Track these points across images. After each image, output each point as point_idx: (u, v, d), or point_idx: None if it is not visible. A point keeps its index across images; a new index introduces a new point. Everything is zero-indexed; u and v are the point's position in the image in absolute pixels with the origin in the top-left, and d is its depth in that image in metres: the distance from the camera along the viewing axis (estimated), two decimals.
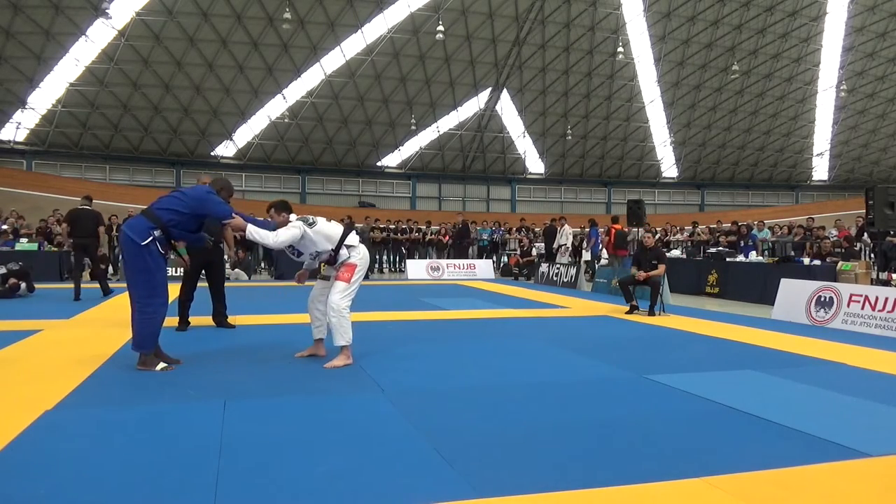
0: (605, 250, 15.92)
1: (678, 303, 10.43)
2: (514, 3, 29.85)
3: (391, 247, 19.18)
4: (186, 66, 28.60)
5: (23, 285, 10.23)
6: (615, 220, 14.82)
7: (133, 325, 4.68)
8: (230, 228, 5.04)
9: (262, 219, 5.17)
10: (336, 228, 5.06)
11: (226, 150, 32.93)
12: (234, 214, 4.86)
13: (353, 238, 5.09)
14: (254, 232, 4.77)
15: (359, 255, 5.05)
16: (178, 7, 26.22)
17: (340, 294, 4.89)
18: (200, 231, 5.11)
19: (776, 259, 11.91)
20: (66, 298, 9.88)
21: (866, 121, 38.64)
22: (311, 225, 4.89)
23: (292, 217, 4.97)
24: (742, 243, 14.69)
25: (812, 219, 15.75)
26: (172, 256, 14.19)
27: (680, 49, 33.49)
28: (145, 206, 4.96)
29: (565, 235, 15.96)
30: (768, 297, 9.53)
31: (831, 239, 13.10)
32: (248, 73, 29.60)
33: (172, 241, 4.95)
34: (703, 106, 36.48)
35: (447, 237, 19.45)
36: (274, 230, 4.86)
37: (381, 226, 19.15)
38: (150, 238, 4.57)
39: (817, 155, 41.08)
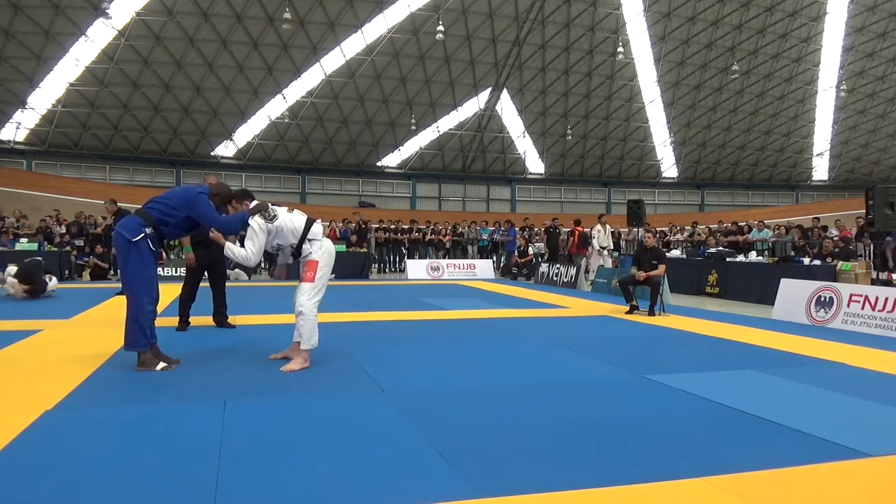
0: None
1: (678, 303, 10.42)
2: (514, 3, 29.85)
3: (391, 247, 19.19)
4: (186, 66, 28.60)
5: (52, 280, 10.10)
6: (577, 222, 16.39)
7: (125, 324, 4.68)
8: (213, 235, 4.95)
9: (232, 214, 5.05)
10: (298, 220, 4.85)
11: (226, 150, 32.94)
12: (215, 228, 4.81)
13: (315, 231, 4.89)
14: (232, 251, 4.73)
15: (321, 249, 4.85)
16: (178, 7, 26.22)
17: (307, 295, 4.74)
18: (196, 229, 5.06)
19: (776, 259, 11.91)
20: (66, 298, 9.89)
21: (866, 121, 38.65)
22: (272, 219, 4.72)
23: (253, 205, 4.82)
24: (815, 247, 13.39)
25: (818, 219, 15.72)
26: (173, 256, 14.25)
27: (680, 49, 33.50)
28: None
29: (605, 236, 14.70)
30: (768, 297, 9.53)
31: (833, 239, 13.09)
32: (248, 73, 29.61)
33: (167, 240, 4.94)
34: (703, 106, 36.49)
35: (447, 237, 19.49)
36: (243, 221, 4.77)
37: (384, 226, 19.15)
38: (141, 235, 4.56)
39: (817, 155, 41.10)
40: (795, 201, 41.27)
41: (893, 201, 8.52)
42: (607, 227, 14.68)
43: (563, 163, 38.16)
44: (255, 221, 4.71)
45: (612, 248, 15.15)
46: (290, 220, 4.82)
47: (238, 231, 5.19)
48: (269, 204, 4.85)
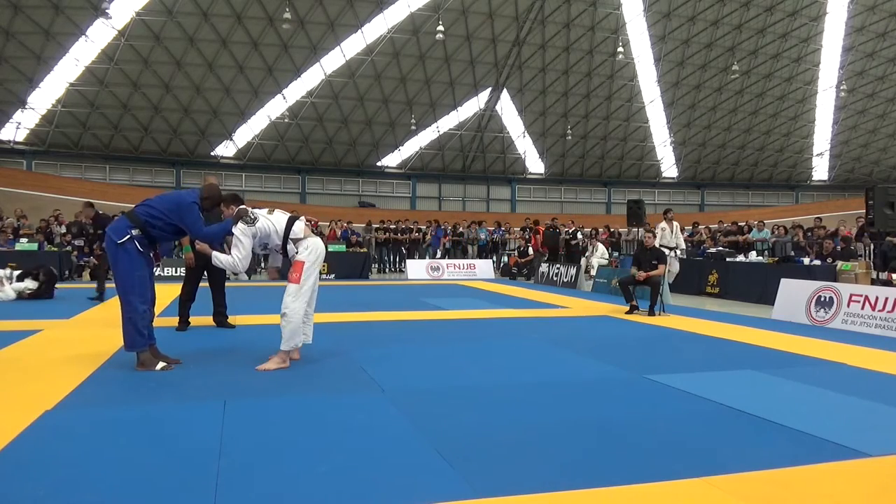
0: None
1: (678, 303, 10.43)
2: (514, 3, 29.84)
3: (391, 247, 19.20)
4: (186, 66, 28.60)
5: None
6: (536, 222, 17.47)
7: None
8: (199, 247, 5.01)
9: (216, 224, 5.07)
10: (279, 220, 4.86)
11: (226, 150, 32.93)
12: (200, 239, 4.88)
13: (297, 229, 4.87)
14: (219, 260, 4.78)
15: (307, 249, 4.83)
16: (178, 7, 26.22)
17: (291, 297, 4.74)
18: (183, 235, 5.09)
19: (776, 259, 11.91)
20: (66, 298, 9.89)
21: (866, 121, 38.63)
22: (253, 223, 4.74)
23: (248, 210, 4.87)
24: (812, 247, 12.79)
25: (819, 218, 15.72)
26: (178, 255, 14.23)
27: (680, 49, 33.49)
28: None
29: (672, 235, 12.13)
30: (768, 297, 9.53)
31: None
32: (248, 73, 29.60)
33: (158, 242, 4.94)
34: (703, 106, 36.48)
35: (447, 238, 19.50)
36: (227, 230, 4.83)
37: (384, 226, 19.14)
38: (127, 237, 4.58)
39: (817, 155, 41.08)
40: (795, 201, 41.26)
41: (893, 201, 8.52)
42: (675, 224, 12.27)
43: (563, 163, 38.15)
44: (238, 229, 4.74)
45: (682, 247, 12.51)
46: (271, 220, 4.84)
47: (222, 239, 5.24)
48: (249, 208, 4.87)
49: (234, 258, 4.73)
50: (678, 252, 12.00)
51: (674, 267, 11.87)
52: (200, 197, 4.94)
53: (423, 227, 19.86)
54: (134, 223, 4.64)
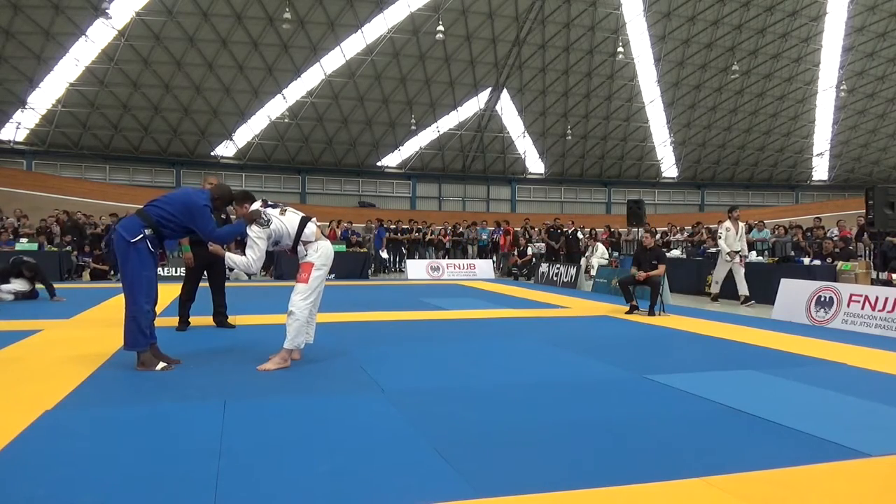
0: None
1: (678, 303, 10.42)
2: (514, 3, 29.85)
3: (391, 247, 19.19)
4: (186, 66, 28.61)
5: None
6: (507, 222, 18.84)
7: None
8: (211, 248, 5.03)
9: (228, 225, 5.05)
10: (292, 221, 4.89)
11: (226, 150, 32.94)
12: (213, 241, 4.90)
13: (308, 232, 4.91)
14: (233, 261, 4.83)
15: (317, 252, 4.88)
16: (178, 7, 26.23)
17: (300, 296, 4.78)
18: (196, 233, 5.08)
19: (776, 259, 11.90)
20: (65, 298, 9.89)
21: (866, 121, 38.65)
22: (267, 224, 4.77)
23: (255, 205, 4.89)
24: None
25: (819, 218, 15.72)
26: (178, 254, 14.22)
27: (680, 49, 33.50)
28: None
29: (737, 237, 10.62)
30: (768, 297, 9.53)
31: (833, 239, 13.10)
32: (248, 73, 29.61)
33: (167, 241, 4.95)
34: (703, 106, 36.49)
35: (447, 238, 19.49)
36: (240, 232, 4.86)
37: (384, 226, 19.11)
38: (140, 236, 4.57)
39: (817, 155, 41.10)
40: (795, 201, 41.28)
41: (893, 201, 8.53)
42: (740, 224, 10.79)
43: (563, 163, 38.16)
44: (253, 231, 4.77)
45: (745, 253, 11.01)
46: (284, 222, 4.87)
47: (233, 240, 5.25)
48: (262, 209, 4.87)
49: (248, 259, 4.77)
50: (741, 256, 10.62)
51: (738, 271, 10.54)
52: (211, 198, 4.94)
53: (423, 227, 19.74)
54: (146, 222, 4.64)
